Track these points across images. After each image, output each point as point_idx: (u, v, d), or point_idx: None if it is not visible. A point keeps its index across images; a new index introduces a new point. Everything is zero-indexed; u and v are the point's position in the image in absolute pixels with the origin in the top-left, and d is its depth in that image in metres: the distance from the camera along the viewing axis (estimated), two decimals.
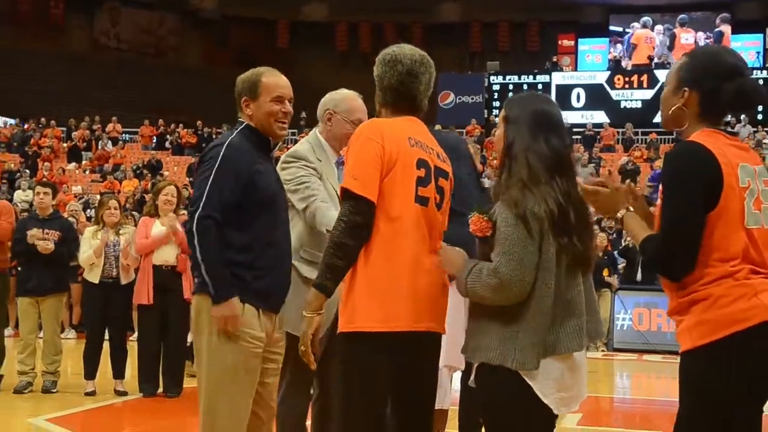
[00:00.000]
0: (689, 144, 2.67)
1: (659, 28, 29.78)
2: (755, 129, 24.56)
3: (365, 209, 2.97)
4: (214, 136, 27.12)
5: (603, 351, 12.73)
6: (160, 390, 7.91)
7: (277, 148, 3.84)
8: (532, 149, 2.80)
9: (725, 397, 2.57)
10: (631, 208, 2.79)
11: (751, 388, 2.59)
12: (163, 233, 7.80)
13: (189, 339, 7.78)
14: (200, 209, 3.45)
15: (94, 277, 8.05)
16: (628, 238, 14.55)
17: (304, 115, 25.24)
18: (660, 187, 2.71)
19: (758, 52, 28.84)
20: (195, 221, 3.45)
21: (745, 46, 29.15)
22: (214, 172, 3.48)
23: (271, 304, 3.62)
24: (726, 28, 29.09)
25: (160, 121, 28.43)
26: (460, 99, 28.06)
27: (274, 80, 3.68)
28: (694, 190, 2.58)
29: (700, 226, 2.58)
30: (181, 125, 28.19)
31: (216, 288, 3.44)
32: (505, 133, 2.89)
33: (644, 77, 27.34)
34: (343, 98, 4.12)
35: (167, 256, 7.83)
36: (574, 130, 26.29)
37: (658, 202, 2.70)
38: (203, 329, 3.54)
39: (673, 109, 2.76)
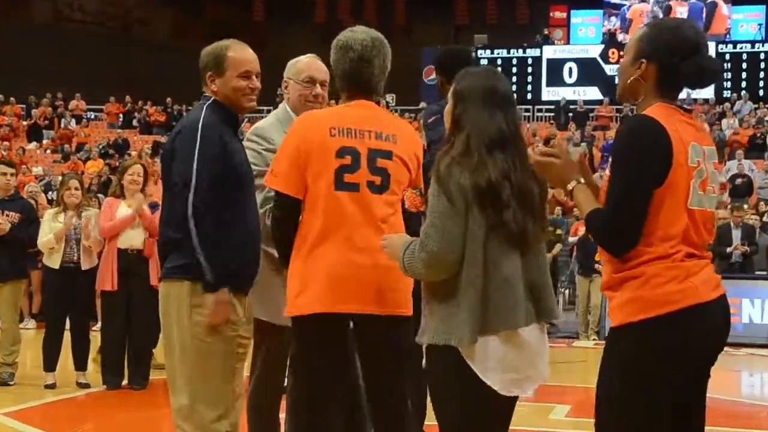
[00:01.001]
0: (642, 118, 2.73)
1: None
2: (756, 105, 24.64)
3: (284, 202, 3.38)
4: (184, 114, 26.94)
5: (594, 340, 12.76)
6: (125, 382, 7.87)
7: (244, 122, 3.82)
8: (475, 125, 2.91)
9: (656, 377, 2.66)
10: (582, 180, 2.85)
11: (680, 370, 2.68)
12: (129, 214, 7.73)
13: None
14: (193, 194, 3.45)
15: (54, 262, 7.99)
16: None
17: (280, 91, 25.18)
18: (610, 159, 2.78)
19: (760, 25, 28.86)
20: (192, 207, 3.44)
21: (747, 18, 29.22)
22: (197, 153, 3.47)
23: (243, 285, 3.63)
24: (719, 0, 29.09)
25: (127, 98, 28.28)
26: None
27: (241, 55, 3.67)
28: (644, 165, 2.65)
29: (647, 203, 2.66)
30: (149, 102, 28.04)
31: (214, 275, 3.45)
32: (453, 108, 3.00)
33: None
34: (295, 62, 4.14)
35: (133, 239, 7.78)
36: (570, 107, 26.37)
37: (607, 172, 2.77)
38: (173, 317, 3.54)
39: (630, 80, 2.82)
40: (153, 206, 7.72)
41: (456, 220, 2.82)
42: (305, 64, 4.10)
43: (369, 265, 3.28)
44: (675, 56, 2.75)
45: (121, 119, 28.09)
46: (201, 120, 3.55)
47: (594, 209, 2.76)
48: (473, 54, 5.12)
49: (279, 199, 3.41)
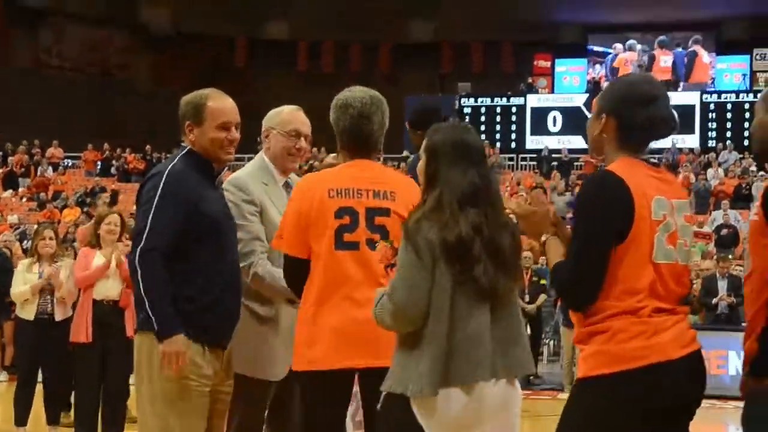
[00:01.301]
0: (603, 174, 2.85)
1: (639, 47, 30.21)
2: (741, 155, 24.89)
3: (290, 264, 3.54)
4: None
5: None
6: None
7: (223, 172, 3.85)
8: (448, 182, 3.02)
9: (620, 431, 2.71)
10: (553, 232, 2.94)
11: (645, 425, 2.72)
12: (104, 263, 7.63)
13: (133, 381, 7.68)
14: (144, 242, 3.46)
15: (28, 313, 7.93)
16: None
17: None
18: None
19: (744, 75, 29.27)
20: (138, 254, 3.46)
21: (731, 68, 29.64)
22: (156, 201, 3.50)
23: (218, 339, 3.62)
24: (699, 49, 29.52)
25: (106, 145, 28.24)
26: None
27: (220, 105, 3.69)
28: (603, 220, 2.74)
29: (607, 257, 2.73)
30: (128, 150, 28.03)
31: (159, 323, 3.45)
32: (425, 165, 3.10)
33: None
34: (279, 112, 4.15)
35: (109, 290, 7.67)
36: (552, 156, 26.53)
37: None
38: (145, 370, 3.54)
39: (593, 135, 2.96)
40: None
41: (423, 274, 2.93)
42: (291, 115, 4.11)
43: (370, 320, 3.32)
44: (630, 107, 2.87)
45: (98, 167, 28.04)
46: (167, 170, 3.57)
47: (557, 262, 2.84)
48: (450, 106, 5.45)
49: (287, 261, 3.57)
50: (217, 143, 3.66)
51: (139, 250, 3.47)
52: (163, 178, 3.53)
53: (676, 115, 2.96)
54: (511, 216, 3.05)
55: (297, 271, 3.51)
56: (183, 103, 3.73)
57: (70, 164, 28.74)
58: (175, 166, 3.58)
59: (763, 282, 2.81)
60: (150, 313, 3.45)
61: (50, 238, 8.11)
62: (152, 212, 3.49)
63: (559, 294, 2.91)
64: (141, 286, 3.45)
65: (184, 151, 3.68)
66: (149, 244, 3.46)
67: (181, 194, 3.53)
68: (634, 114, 2.86)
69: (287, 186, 4.15)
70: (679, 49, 29.75)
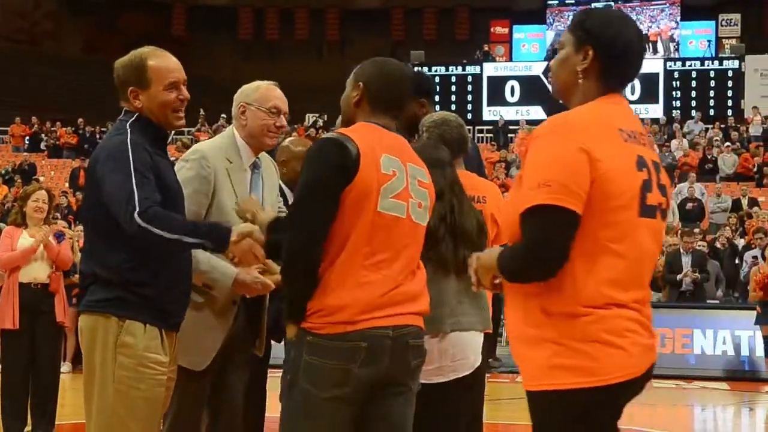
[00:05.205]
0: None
1: None
2: (707, 126, 25.20)
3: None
4: (98, 136, 26.71)
5: None
6: (28, 428, 7.70)
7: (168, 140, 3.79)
8: None
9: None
10: None
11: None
12: (30, 246, 7.53)
13: (65, 369, 7.64)
14: (138, 205, 3.29)
15: None
16: None
17: (203, 112, 25.08)
18: None
19: (709, 41, 29.61)
20: (138, 220, 3.28)
21: (696, 34, 29.96)
22: (132, 166, 3.35)
23: (173, 323, 3.56)
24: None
25: (34, 119, 27.92)
26: None
27: (164, 63, 3.55)
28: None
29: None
30: (59, 123, 27.73)
31: (213, 240, 3.40)
32: None
33: None
34: (257, 87, 4.09)
35: (37, 273, 7.60)
36: (510, 127, 26.64)
37: None
38: (95, 354, 3.45)
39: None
40: (58, 236, 7.57)
41: None
42: (270, 91, 4.08)
43: None
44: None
45: (27, 142, 27.70)
46: (129, 141, 3.42)
47: None
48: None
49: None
50: (169, 106, 3.53)
51: (138, 216, 3.27)
52: (129, 146, 3.39)
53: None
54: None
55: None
56: (120, 66, 3.57)
57: None
58: (133, 138, 3.44)
59: None
60: (197, 242, 3.38)
61: None
62: (134, 178, 3.33)
63: None
64: (168, 237, 3.30)
65: (132, 119, 3.52)
66: (144, 204, 3.29)
67: (147, 164, 3.41)
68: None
69: (255, 167, 4.11)
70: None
